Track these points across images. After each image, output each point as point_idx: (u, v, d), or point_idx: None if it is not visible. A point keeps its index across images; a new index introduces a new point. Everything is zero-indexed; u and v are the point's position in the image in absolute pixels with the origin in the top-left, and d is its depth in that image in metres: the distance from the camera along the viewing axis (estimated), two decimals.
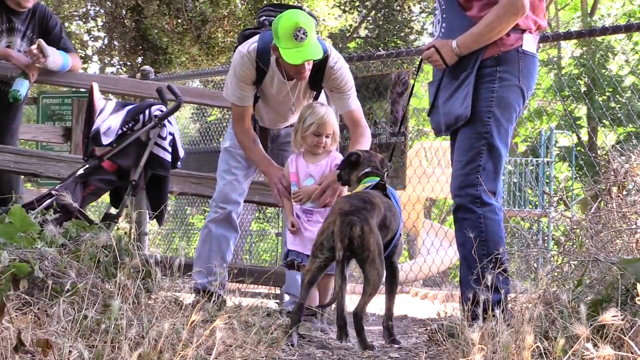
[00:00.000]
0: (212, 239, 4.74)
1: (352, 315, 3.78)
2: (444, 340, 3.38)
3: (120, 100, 5.60)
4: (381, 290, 4.09)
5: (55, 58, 5.47)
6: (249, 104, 4.65)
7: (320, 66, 4.51)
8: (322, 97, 4.80)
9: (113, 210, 4.68)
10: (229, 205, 4.75)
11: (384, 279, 3.93)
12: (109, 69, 15.68)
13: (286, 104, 4.64)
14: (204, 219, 4.95)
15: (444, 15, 3.99)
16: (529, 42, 3.91)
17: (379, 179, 4.11)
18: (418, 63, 4.39)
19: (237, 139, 4.74)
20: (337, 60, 4.56)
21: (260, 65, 4.52)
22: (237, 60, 4.57)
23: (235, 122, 4.73)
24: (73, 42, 6.04)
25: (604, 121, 13.67)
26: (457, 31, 3.91)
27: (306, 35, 4.26)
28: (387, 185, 4.12)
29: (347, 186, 4.34)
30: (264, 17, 4.71)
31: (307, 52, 4.30)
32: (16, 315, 2.88)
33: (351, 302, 4.06)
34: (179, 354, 2.77)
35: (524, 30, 3.89)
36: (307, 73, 4.44)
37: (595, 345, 2.51)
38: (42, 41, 5.39)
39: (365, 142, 4.61)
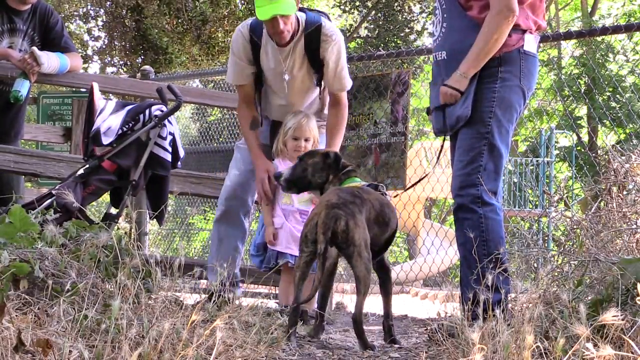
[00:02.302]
0: (218, 240, 4.78)
1: (351, 320, 3.77)
2: (444, 340, 3.38)
3: (120, 100, 5.59)
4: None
5: (51, 63, 5.40)
6: (247, 82, 4.73)
7: (315, 35, 4.58)
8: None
9: (113, 210, 4.67)
10: (234, 202, 4.76)
11: (374, 275, 3.91)
12: (109, 69, 15.69)
13: (281, 74, 4.66)
14: (204, 219, 4.97)
15: (445, 15, 3.98)
16: (530, 43, 3.91)
17: (359, 179, 4.07)
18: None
19: (238, 118, 4.85)
20: (333, 31, 4.62)
21: (253, 38, 4.62)
22: (234, 37, 4.73)
23: (239, 104, 4.83)
24: (73, 41, 6.00)
25: (604, 121, 13.65)
26: (457, 31, 3.91)
27: None
28: (378, 185, 4.08)
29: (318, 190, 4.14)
30: None
31: (276, 7, 4.38)
32: (16, 315, 2.88)
33: (351, 302, 4.06)
34: (179, 353, 2.77)
35: (524, 31, 3.89)
36: (287, 34, 4.50)
37: (595, 345, 2.51)
38: (35, 49, 5.32)
39: (341, 127, 4.69)
